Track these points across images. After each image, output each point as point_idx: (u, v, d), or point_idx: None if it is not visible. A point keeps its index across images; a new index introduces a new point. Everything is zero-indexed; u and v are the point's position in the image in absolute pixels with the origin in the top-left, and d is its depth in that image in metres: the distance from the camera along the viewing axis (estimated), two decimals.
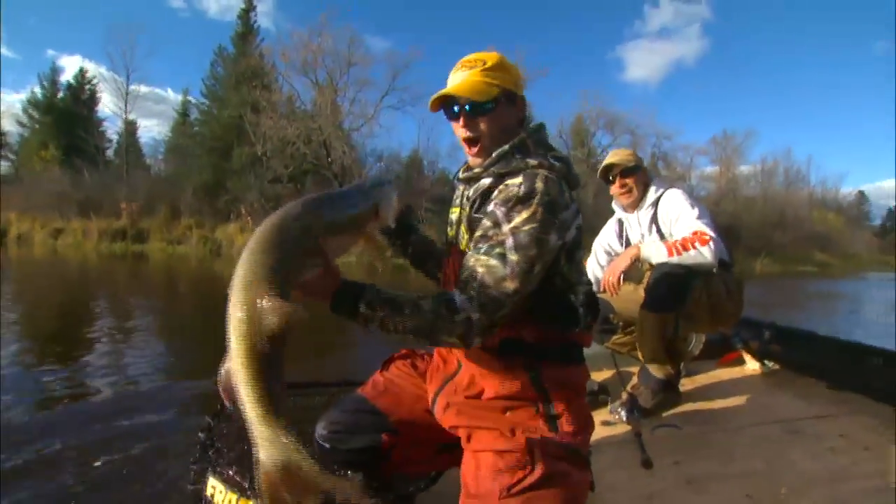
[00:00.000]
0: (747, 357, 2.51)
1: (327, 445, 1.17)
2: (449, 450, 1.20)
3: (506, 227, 0.94)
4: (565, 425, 1.03)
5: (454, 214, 1.19)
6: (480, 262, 0.93)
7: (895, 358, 1.91)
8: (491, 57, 1.10)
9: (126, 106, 29.76)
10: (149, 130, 68.34)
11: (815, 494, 1.36)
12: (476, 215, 1.07)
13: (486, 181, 1.09)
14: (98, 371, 3.79)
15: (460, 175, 1.19)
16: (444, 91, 1.06)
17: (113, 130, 32.50)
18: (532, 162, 1.04)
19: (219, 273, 14.53)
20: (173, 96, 47.46)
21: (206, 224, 23.06)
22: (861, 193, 65.85)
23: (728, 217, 28.97)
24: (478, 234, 0.98)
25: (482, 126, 1.08)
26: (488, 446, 1.01)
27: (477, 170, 1.10)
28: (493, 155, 1.07)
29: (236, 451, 1.30)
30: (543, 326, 1.05)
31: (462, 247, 1.11)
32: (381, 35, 64.39)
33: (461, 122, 1.08)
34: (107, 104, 31.30)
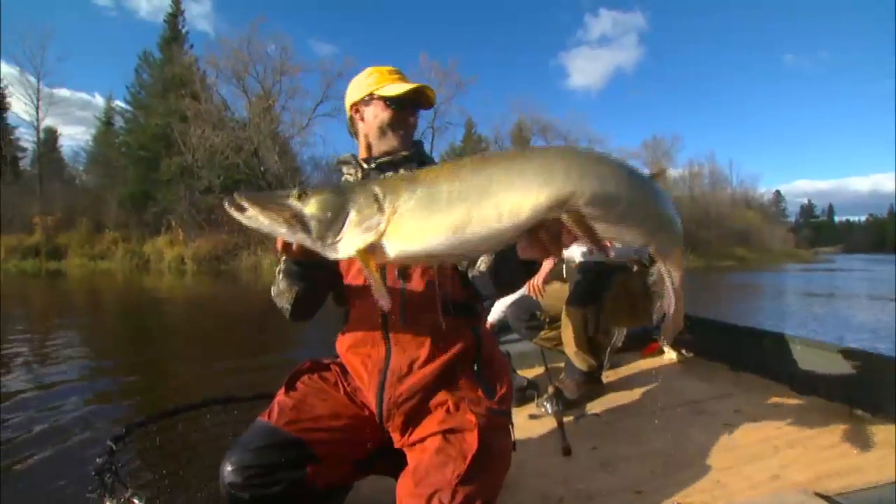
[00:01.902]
0: (666, 347, 2.71)
1: (245, 495, 1.02)
2: (367, 462, 1.21)
3: None
4: (499, 388, 1.14)
5: None
6: None
7: (782, 340, 2.15)
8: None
9: (38, 112, 27.39)
10: (73, 139, 62.14)
11: (704, 463, 1.51)
12: None
13: (413, 165, 1.25)
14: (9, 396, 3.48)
15: (370, 164, 1.27)
16: (422, 86, 1.25)
17: (31, 139, 29.53)
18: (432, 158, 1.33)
19: (149, 288, 13.68)
20: (101, 102, 43.76)
21: (132, 237, 21.72)
22: (777, 193, 72.73)
23: None
24: None
25: (417, 124, 1.33)
26: (433, 429, 1.05)
27: (403, 153, 1.26)
28: (412, 147, 1.29)
29: (137, 473, 1.26)
30: (466, 285, 1.17)
31: None
32: (327, 41, 63.74)
33: (412, 115, 1.28)
34: (21, 110, 28.44)
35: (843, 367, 1.84)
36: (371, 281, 0.81)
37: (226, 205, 0.83)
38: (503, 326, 2.81)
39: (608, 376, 2.44)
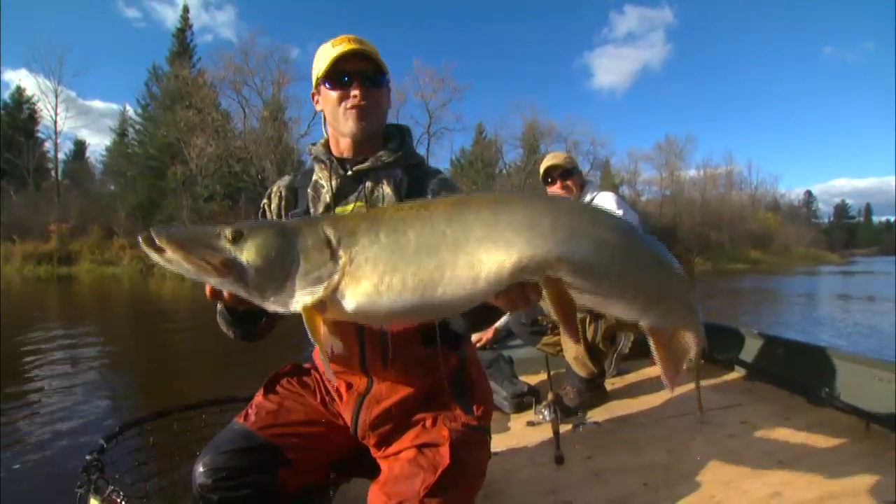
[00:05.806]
0: None
1: (214, 497, 1.00)
2: (344, 464, 1.18)
3: None
4: (477, 407, 1.10)
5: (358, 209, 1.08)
6: None
7: (795, 347, 2.06)
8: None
9: (56, 125, 28.45)
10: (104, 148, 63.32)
11: (702, 477, 1.44)
12: None
13: (398, 173, 1.10)
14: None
15: (347, 171, 1.09)
16: (349, 47, 1.01)
17: (64, 149, 30.99)
18: (436, 169, 1.16)
19: (154, 291, 13.93)
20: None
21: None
22: (808, 193, 70.90)
23: (669, 220, 30.51)
24: None
25: (378, 98, 1.07)
26: (407, 444, 1.02)
27: (386, 159, 1.08)
28: (399, 148, 1.10)
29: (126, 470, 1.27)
30: None
31: None
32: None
33: (357, 88, 1.03)
34: (49, 122, 29.27)
35: (862, 379, 1.76)
36: (315, 343, 0.69)
37: (140, 242, 0.67)
38: (509, 332, 2.76)
39: (613, 383, 2.37)
